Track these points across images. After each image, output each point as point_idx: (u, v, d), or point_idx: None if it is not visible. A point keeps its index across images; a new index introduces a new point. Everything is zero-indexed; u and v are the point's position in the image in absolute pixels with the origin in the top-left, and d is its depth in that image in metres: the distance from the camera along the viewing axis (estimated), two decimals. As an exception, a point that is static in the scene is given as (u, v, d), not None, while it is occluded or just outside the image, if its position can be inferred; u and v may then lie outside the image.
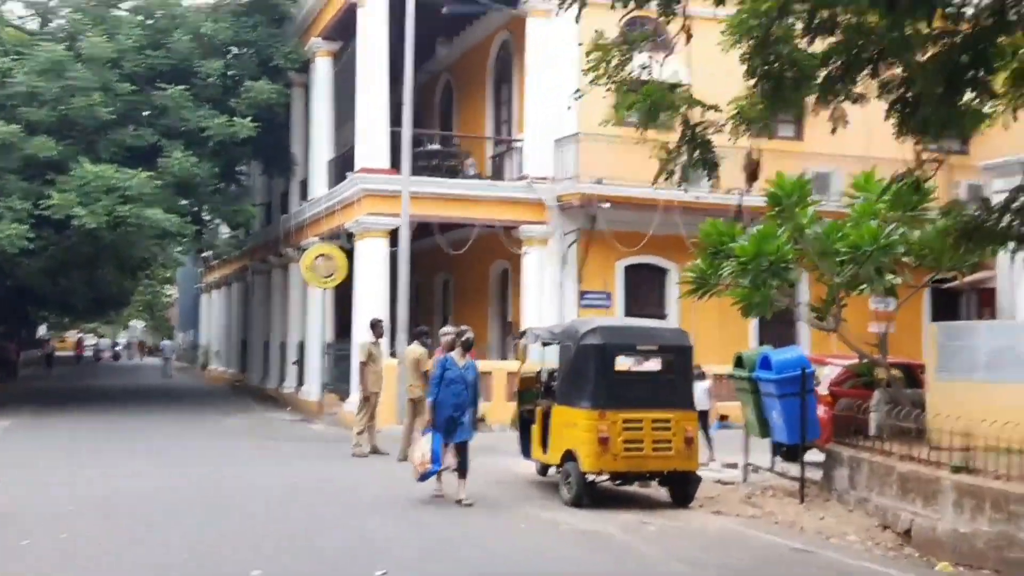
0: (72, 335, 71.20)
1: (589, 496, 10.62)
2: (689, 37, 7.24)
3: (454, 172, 20.62)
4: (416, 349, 14.42)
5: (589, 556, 8.74)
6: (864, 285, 11.67)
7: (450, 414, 10.69)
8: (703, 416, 12.53)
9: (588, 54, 7.63)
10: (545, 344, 12.18)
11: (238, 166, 27.24)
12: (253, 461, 14.49)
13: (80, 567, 7.90)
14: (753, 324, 20.23)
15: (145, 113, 23.62)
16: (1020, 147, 15.40)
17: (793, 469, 11.38)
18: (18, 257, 22.08)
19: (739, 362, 12.24)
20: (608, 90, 7.75)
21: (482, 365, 12.75)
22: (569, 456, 10.73)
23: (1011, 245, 7.48)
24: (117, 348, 67.92)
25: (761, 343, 19.16)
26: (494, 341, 21.85)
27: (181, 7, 24.37)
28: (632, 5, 7.18)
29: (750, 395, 11.89)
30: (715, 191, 18.44)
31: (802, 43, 7.24)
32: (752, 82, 7.58)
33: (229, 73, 24.01)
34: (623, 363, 11.05)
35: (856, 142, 19.40)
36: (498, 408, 17.13)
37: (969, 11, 6.43)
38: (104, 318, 66.36)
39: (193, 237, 24.98)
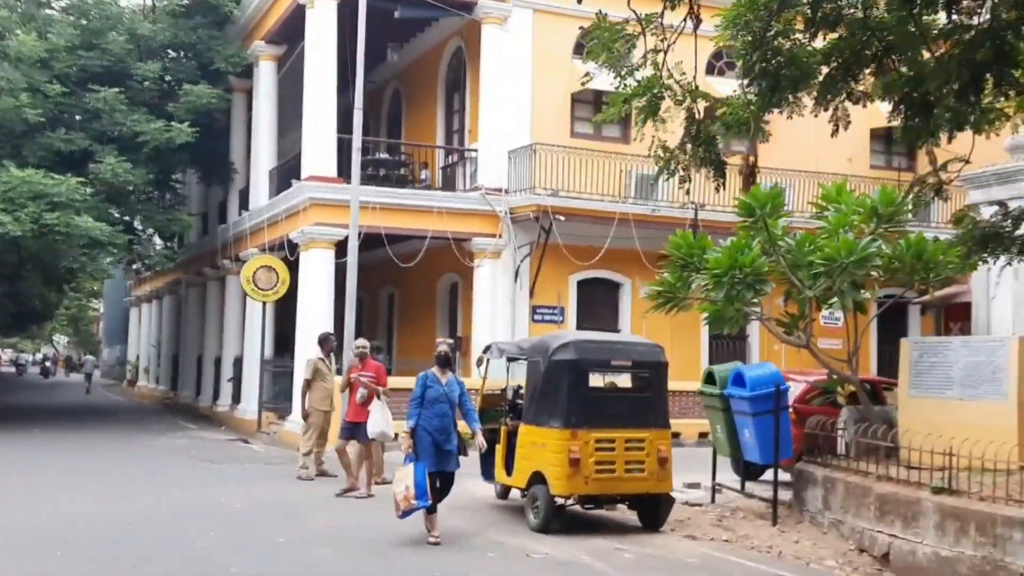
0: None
1: (558, 521, 10.06)
2: (698, 22, 6.78)
3: (404, 182, 20.11)
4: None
5: (567, 588, 8.15)
6: (835, 299, 11.39)
7: (433, 439, 9.41)
8: None
9: (588, 37, 7.14)
10: (511, 360, 11.58)
11: (174, 174, 26.39)
12: (188, 484, 13.55)
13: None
14: (704, 339, 20.04)
15: (76, 116, 22.67)
16: (994, 158, 15.33)
17: (758, 489, 10.95)
18: (-66, 266, 20.96)
19: (709, 378, 11.86)
20: (616, 77, 7.23)
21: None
22: (537, 479, 10.15)
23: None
24: (47, 363, 62.60)
25: (711, 360, 18.94)
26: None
27: (117, 7, 23.50)
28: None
29: (721, 413, 11.51)
30: (672, 204, 18.39)
31: (802, 40, 6.82)
32: (747, 81, 7.16)
33: (166, 77, 23.31)
34: (596, 380, 10.53)
35: (807, 158, 19.56)
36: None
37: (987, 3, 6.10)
38: (26, 333, 63.21)
39: (124, 247, 24.00)
